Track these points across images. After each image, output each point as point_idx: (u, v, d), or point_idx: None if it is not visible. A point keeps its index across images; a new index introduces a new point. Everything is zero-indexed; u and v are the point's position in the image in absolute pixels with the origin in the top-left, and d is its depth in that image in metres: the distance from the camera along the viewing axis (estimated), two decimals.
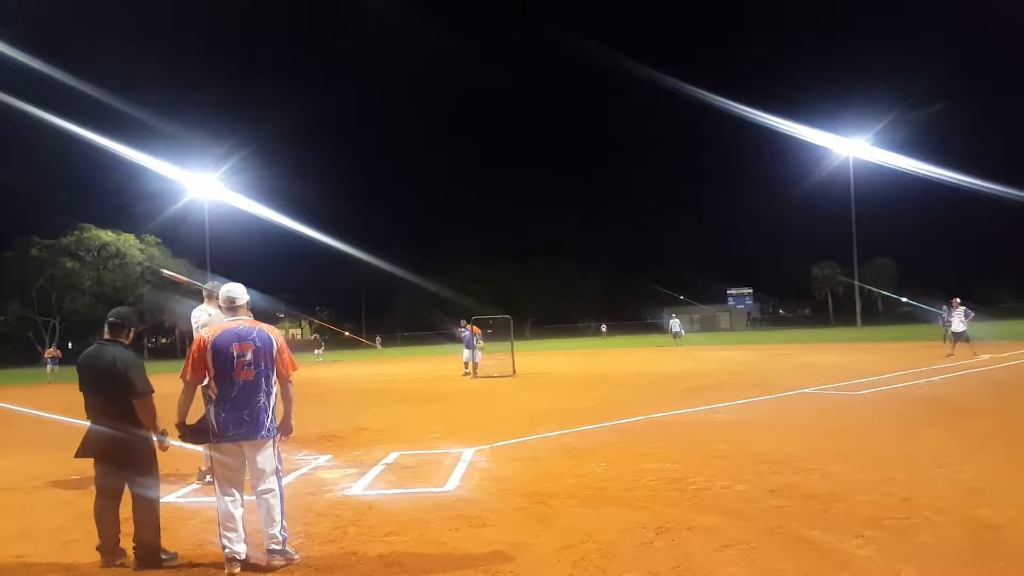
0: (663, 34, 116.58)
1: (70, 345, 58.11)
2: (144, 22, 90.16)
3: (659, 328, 69.55)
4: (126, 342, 4.38)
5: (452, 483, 5.98)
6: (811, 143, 52.24)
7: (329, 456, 7.50)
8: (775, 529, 4.28)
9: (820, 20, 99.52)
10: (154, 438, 4.25)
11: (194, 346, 4.08)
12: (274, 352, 4.12)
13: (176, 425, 4.08)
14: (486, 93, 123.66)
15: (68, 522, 5.17)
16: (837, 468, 5.83)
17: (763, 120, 46.13)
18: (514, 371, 18.59)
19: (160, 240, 61.82)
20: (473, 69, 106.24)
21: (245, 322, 4.17)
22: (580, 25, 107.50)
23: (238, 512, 4.01)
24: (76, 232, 58.25)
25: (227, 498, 4.00)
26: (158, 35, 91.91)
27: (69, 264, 56.90)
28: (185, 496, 5.91)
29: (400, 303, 79.47)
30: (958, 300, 19.36)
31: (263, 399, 4.04)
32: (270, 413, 4.08)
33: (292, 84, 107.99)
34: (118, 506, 4.19)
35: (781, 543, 4.04)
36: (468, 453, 7.28)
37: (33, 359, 48.76)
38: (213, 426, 3.99)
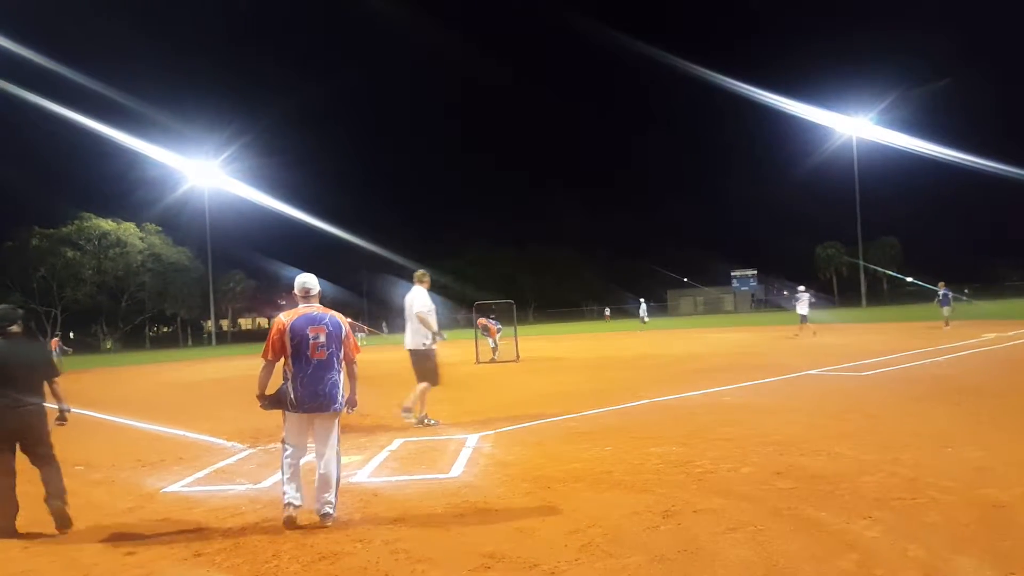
0: (665, 12, 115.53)
1: (71, 335, 58.19)
2: (143, 9, 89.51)
3: (663, 311, 69.64)
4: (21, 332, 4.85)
5: (457, 469, 5.97)
6: (814, 122, 52.06)
7: None
8: (782, 511, 4.27)
9: None
10: (57, 415, 4.85)
11: (273, 329, 4.61)
12: (342, 336, 4.69)
13: (257, 396, 4.62)
14: (485, 77, 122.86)
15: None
16: (843, 449, 5.82)
17: (766, 100, 45.99)
18: (518, 356, 18.60)
19: (160, 228, 61.79)
20: (471, 53, 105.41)
21: (318, 308, 4.70)
22: (580, 2, 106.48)
23: (297, 466, 4.58)
24: (76, 221, 58.12)
25: (289, 459, 4.56)
26: (157, 22, 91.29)
27: (70, 254, 56.83)
28: (189, 486, 5.92)
29: (402, 289, 79.41)
30: (802, 287, 20.08)
31: (335, 376, 4.62)
32: (341, 388, 4.66)
33: (292, 71, 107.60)
34: (14, 485, 4.61)
35: (788, 525, 4.02)
36: (473, 439, 7.28)
37: None
38: (291, 399, 4.53)
